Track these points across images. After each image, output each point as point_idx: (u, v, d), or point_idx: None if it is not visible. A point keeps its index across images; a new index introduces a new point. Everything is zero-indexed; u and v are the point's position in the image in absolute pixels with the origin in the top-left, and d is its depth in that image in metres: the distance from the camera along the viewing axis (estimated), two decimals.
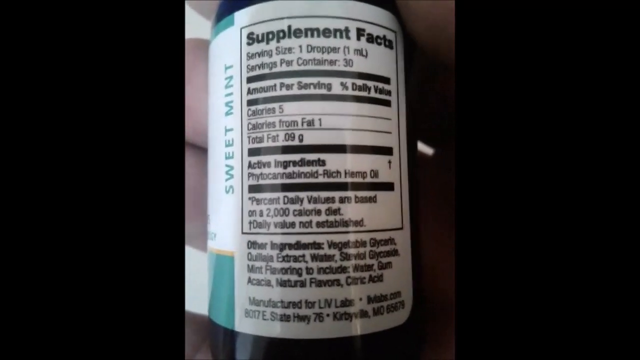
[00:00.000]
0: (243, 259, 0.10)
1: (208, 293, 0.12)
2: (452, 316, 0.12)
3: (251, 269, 0.10)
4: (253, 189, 0.10)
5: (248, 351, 0.10)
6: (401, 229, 0.10)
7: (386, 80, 0.10)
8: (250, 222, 0.10)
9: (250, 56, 0.10)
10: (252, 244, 0.10)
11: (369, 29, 0.10)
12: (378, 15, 0.10)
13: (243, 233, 0.10)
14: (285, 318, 0.10)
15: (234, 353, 0.10)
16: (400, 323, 0.10)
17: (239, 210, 0.10)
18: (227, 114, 0.11)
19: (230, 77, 0.11)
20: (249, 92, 0.10)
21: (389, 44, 0.11)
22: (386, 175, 0.10)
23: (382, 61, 0.10)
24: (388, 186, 0.10)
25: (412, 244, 0.11)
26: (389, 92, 0.10)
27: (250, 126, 0.10)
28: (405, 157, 0.11)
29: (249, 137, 0.10)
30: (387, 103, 0.10)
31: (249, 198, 0.10)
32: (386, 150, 0.10)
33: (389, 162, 0.10)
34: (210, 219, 0.11)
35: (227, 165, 0.11)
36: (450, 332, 0.12)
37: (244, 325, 0.10)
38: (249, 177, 0.10)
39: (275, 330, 0.10)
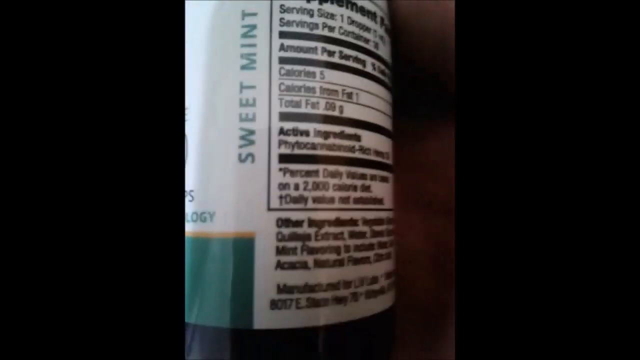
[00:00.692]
0: (270, 240, 0.09)
1: (190, 295, 0.09)
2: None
3: (281, 251, 0.09)
4: (286, 158, 0.09)
5: (278, 351, 0.08)
6: (393, 210, 0.11)
7: (391, 69, 0.11)
8: (281, 197, 0.09)
9: (286, 9, 0.09)
10: (283, 222, 0.09)
11: (385, 19, 0.11)
12: (388, 9, 0.11)
13: (270, 209, 0.09)
14: (323, 303, 0.09)
15: (257, 358, 0.08)
16: (396, 298, 0.11)
17: (263, 182, 0.09)
18: (245, 67, 0.09)
19: (253, 27, 0.09)
20: (282, 48, 0.09)
21: (391, 36, 0.11)
22: (391, 158, 0.11)
23: (389, 51, 0.11)
24: (392, 169, 0.11)
25: None
26: (391, 80, 0.11)
27: (283, 87, 0.09)
28: None
29: (281, 99, 0.09)
30: (391, 90, 0.11)
31: (280, 169, 0.09)
32: (391, 135, 0.11)
33: (390, 145, 0.11)
34: (198, 195, 0.09)
35: (243, 129, 0.09)
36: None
37: (269, 320, 0.08)
38: (280, 144, 0.09)
39: (312, 318, 0.09)
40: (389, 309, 0.10)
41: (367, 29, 0.10)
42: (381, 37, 0.10)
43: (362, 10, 0.10)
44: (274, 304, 0.08)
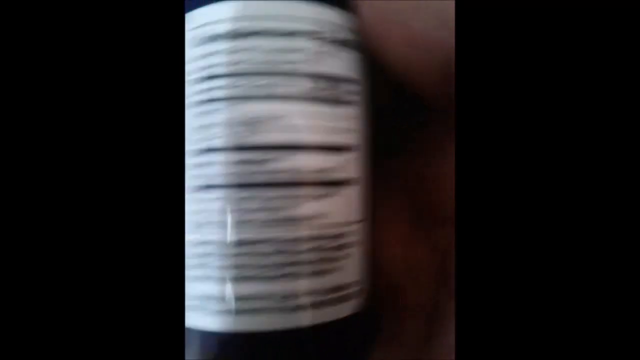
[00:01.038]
0: (188, 257, 0.10)
1: None
2: (405, 314, 0.12)
3: (196, 266, 0.10)
4: (199, 188, 0.10)
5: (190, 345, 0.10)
6: (357, 222, 0.11)
7: (342, 80, 0.11)
8: (198, 222, 0.10)
9: (201, 57, 0.10)
10: (198, 243, 0.10)
11: (325, 32, 0.10)
12: (331, 17, 0.11)
13: (188, 233, 0.10)
14: (240, 312, 0.10)
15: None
16: (347, 315, 0.10)
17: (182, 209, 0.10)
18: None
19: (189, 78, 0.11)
20: (199, 92, 0.10)
21: (344, 46, 0.11)
22: (341, 173, 0.11)
23: (343, 61, 0.11)
24: (343, 182, 0.11)
25: (367, 238, 0.11)
26: (346, 92, 0.11)
27: (197, 126, 0.10)
28: (362, 154, 0.11)
29: (197, 137, 0.10)
30: (341, 103, 0.11)
31: (196, 198, 0.10)
32: (342, 148, 0.11)
33: (346, 159, 0.11)
34: None
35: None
36: (402, 329, 0.12)
37: (190, 320, 0.10)
38: (195, 177, 0.10)
39: (221, 323, 0.10)
40: (320, 326, 0.10)
41: (291, 51, 0.10)
42: (317, 53, 0.10)
43: (276, 33, 0.10)
44: (191, 309, 0.10)
